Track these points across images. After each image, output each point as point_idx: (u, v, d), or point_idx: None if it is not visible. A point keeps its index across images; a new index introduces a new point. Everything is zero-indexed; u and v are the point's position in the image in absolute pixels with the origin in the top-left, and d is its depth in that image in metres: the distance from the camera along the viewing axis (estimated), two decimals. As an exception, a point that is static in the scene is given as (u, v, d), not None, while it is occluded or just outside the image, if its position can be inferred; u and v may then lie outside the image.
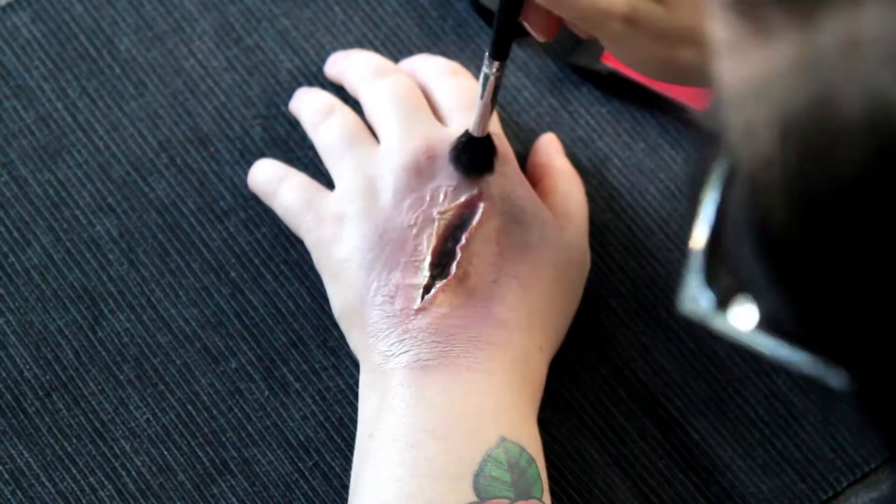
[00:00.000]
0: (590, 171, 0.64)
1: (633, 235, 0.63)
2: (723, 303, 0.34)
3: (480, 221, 0.57)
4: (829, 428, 0.60)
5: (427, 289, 0.56)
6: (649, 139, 0.65)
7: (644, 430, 0.60)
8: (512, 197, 0.58)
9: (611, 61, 0.65)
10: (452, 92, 0.61)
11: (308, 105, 0.63)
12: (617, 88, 0.65)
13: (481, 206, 0.57)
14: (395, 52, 0.66)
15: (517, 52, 0.66)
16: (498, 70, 0.55)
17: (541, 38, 0.54)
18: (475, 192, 0.57)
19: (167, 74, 0.65)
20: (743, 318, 0.34)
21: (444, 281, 0.56)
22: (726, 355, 0.61)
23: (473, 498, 0.52)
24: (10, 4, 0.66)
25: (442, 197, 0.57)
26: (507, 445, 0.53)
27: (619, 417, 0.60)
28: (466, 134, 0.57)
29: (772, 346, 0.33)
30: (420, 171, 0.57)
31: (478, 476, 0.52)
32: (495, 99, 0.56)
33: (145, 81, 0.65)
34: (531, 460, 0.54)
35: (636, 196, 0.64)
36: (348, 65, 0.63)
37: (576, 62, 0.66)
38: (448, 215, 0.57)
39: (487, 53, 0.55)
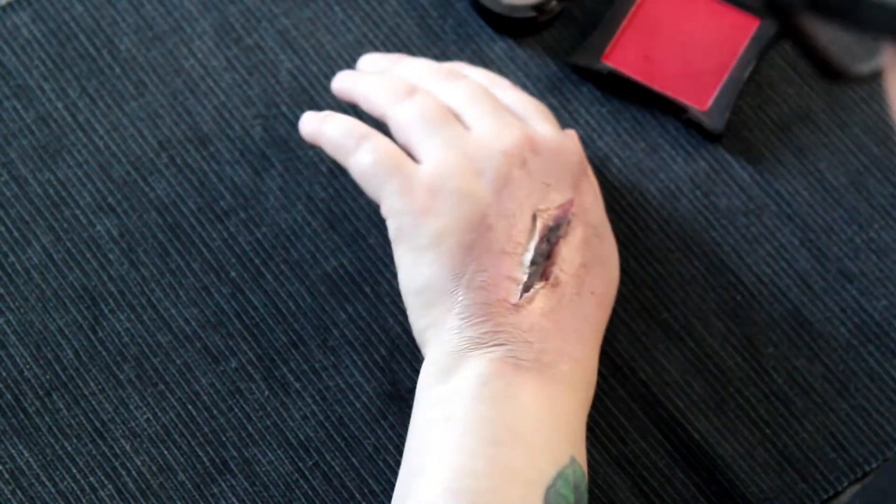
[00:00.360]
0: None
1: (633, 235, 0.63)
2: None
3: (573, 228, 0.56)
4: (829, 427, 0.60)
5: (526, 286, 0.54)
6: (649, 139, 0.65)
7: (644, 429, 0.60)
8: (594, 209, 0.57)
9: (611, 61, 0.65)
10: (520, 101, 0.59)
11: (381, 83, 0.59)
12: (617, 88, 0.66)
13: (573, 213, 0.56)
14: (395, 51, 0.66)
15: (517, 51, 0.66)
16: None
17: None
18: (570, 198, 0.56)
19: (167, 74, 0.65)
20: None
21: (543, 282, 0.54)
22: (727, 355, 0.61)
23: None
24: (10, 4, 0.66)
25: (541, 194, 0.55)
26: (575, 466, 0.52)
27: (619, 417, 0.60)
28: None
29: None
30: (522, 163, 0.55)
31: (549, 490, 0.51)
32: None
33: (145, 81, 0.65)
34: (587, 487, 0.53)
35: (636, 196, 0.64)
36: (405, 68, 0.60)
37: (576, 62, 0.66)
38: (547, 215, 0.55)
39: None
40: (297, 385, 0.60)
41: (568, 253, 0.55)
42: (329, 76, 0.65)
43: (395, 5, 0.67)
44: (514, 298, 0.54)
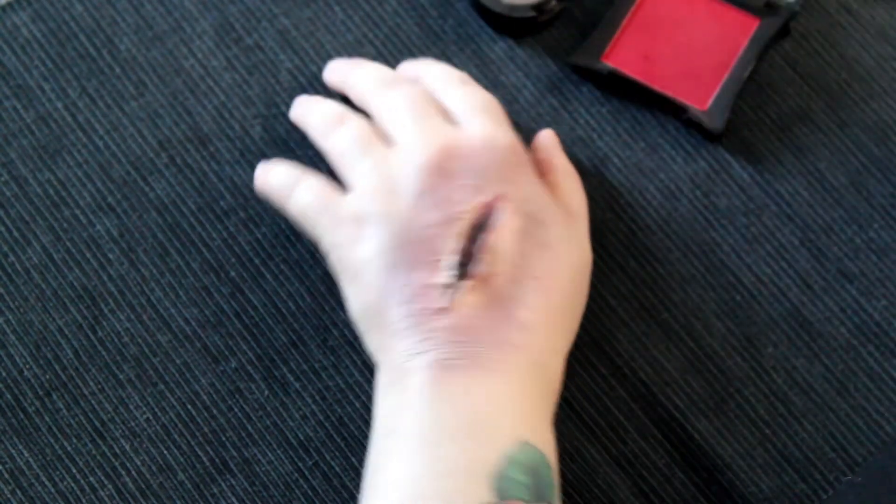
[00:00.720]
0: (590, 171, 0.64)
1: (633, 235, 0.63)
2: None
3: (502, 222, 0.56)
4: (828, 427, 0.60)
5: (450, 289, 0.55)
6: (649, 139, 0.65)
7: (644, 429, 0.60)
8: (533, 199, 0.58)
9: (611, 61, 0.65)
10: (463, 99, 0.61)
11: (316, 114, 0.62)
12: (617, 88, 0.66)
13: (502, 206, 0.57)
14: (395, 52, 0.66)
15: (517, 51, 0.66)
16: None
17: None
18: (496, 192, 0.57)
19: (167, 74, 0.65)
20: None
21: (467, 281, 0.55)
22: (727, 355, 0.61)
23: (493, 499, 0.51)
24: (10, 4, 0.66)
25: (463, 197, 0.56)
26: (525, 449, 0.53)
27: (619, 417, 0.60)
28: None
29: None
30: (441, 171, 0.57)
31: (497, 477, 0.52)
32: None
33: (145, 81, 0.65)
34: (547, 465, 0.53)
35: (636, 196, 0.64)
36: (356, 76, 0.63)
37: (576, 62, 0.66)
38: (469, 216, 0.56)
39: None
40: (297, 385, 0.61)
41: (501, 245, 0.56)
42: (329, 76, 0.66)
43: (395, 5, 0.67)
44: (440, 303, 0.55)
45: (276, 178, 0.61)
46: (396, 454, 0.53)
